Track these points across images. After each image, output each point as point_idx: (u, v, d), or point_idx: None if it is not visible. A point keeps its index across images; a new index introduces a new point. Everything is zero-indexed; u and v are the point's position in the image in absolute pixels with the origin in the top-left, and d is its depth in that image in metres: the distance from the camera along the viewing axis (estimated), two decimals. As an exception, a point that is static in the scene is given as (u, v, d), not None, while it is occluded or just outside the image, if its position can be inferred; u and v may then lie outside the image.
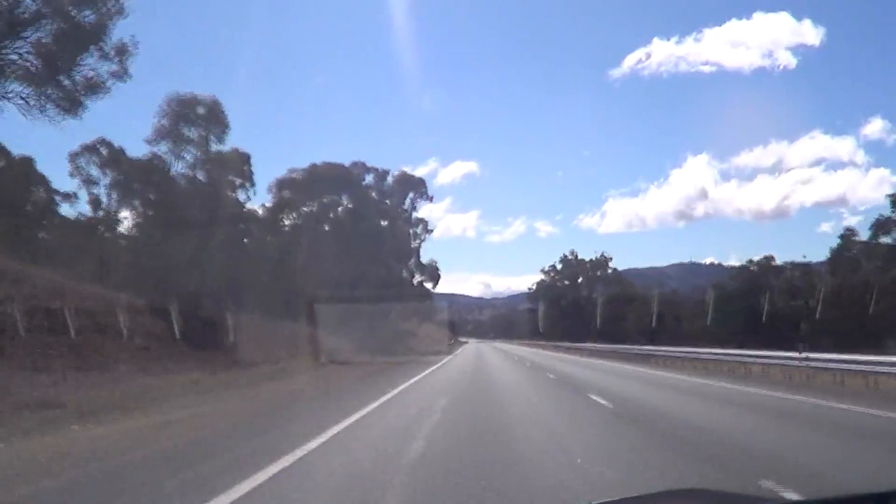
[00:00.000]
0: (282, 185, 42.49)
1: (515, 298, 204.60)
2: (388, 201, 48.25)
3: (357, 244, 47.02)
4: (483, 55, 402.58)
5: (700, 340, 48.32)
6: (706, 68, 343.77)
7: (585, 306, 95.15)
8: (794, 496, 5.01)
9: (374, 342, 48.58)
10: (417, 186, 49.18)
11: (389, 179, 48.90)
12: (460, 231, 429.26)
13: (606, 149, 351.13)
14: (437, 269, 55.93)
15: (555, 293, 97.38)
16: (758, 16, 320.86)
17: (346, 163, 47.53)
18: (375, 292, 47.41)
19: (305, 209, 43.92)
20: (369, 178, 48.29)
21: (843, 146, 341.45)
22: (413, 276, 55.11)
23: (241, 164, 45.66)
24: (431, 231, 51.65)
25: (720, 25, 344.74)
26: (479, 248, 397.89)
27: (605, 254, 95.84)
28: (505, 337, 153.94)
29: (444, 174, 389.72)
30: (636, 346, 47.93)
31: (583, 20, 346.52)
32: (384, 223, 49.20)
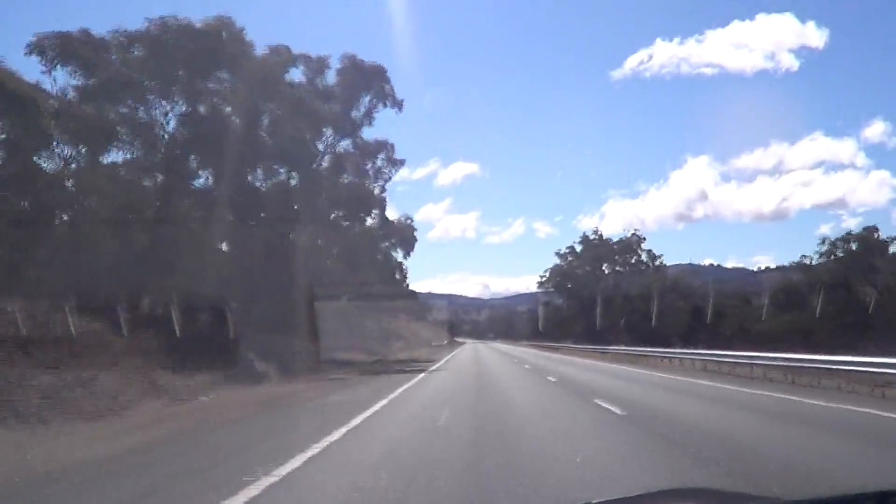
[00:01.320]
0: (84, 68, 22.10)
1: (514, 299, 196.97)
2: (328, 106, 28.50)
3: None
4: (485, 56, 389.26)
5: (768, 342, 37.65)
6: (708, 70, 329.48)
7: (612, 298, 75.56)
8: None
9: (328, 348, 30.29)
10: (375, 81, 29.10)
11: (330, 76, 29.15)
12: (460, 232, 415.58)
13: (607, 150, 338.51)
14: (412, 227, 35.93)
15: (572, 282, 77.59)
16: (761, 17, 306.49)
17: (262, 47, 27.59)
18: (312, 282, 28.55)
19: (156, 114, 23.86)
20: (297, 74, 28.63)
21: (844, 148, 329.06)
22: (376, 242, 35.19)
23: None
24: (401, 163, 32.03)
25: (723, 27, 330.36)
26: (479, 249, 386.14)
27: (637, 232, 76.17)
28: (505, 337, 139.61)
29: (445, 175, 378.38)
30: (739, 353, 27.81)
31: (586, 21, 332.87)
32: (321, 147, 29.37)
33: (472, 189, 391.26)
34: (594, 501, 2.65)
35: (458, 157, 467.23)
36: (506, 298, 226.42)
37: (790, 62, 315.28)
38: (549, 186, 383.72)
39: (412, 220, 35.91)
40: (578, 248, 77.75)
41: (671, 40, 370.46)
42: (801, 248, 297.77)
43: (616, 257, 76.46)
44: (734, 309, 69.48)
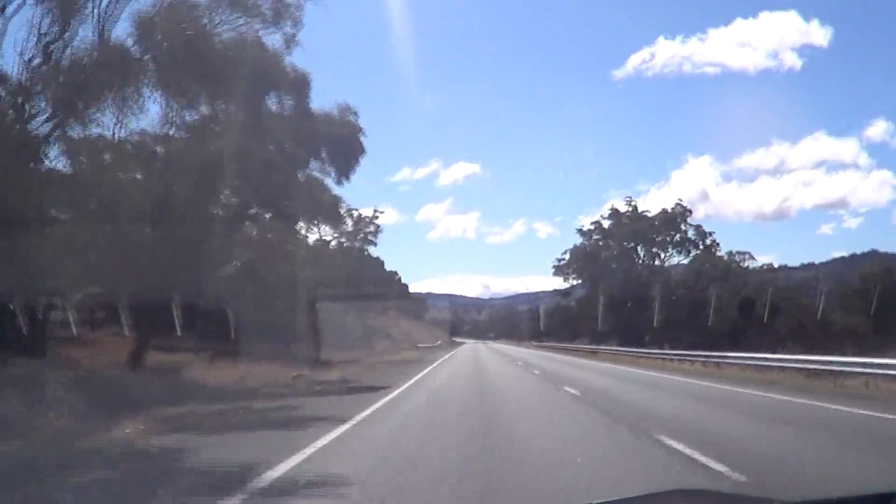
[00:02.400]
0: None
1: (514, 299, 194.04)
2: None
3: None
4: (487, 56, 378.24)
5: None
6: (710, 69, 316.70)
7: (649, 286, 59.30)
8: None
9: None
10: None
11: None
12: (460, 232, 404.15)
13: (608, 150, 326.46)
14: (357, 126, 19.06)
15: (598, 267, 61.07)
16: (764, 15, 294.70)
17: None
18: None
19: None
20: None
21: (846, 147, 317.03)
22: (300, 165, 18.58)
23: None
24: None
25: (727, 25, 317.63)
26: (479, 249, 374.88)
27: (682, 203, 59.50)
28: (507, 337, 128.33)
29: (446, 175, 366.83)
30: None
31: (589, 20, 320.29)
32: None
33: (473, 189, 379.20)
34: (595, 502, 2.73)
35: (459, 157, 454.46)
36: (505, 298, 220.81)
37: (793, 61, 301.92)
38: (551, 187, 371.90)
39: (357, 116, 19.48)
40: (606, 223, 61.23)
41: (674, 39, 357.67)
42: (802, 248, 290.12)
43: (654, 236, 59.94)
44: (789, 303, 54.68)
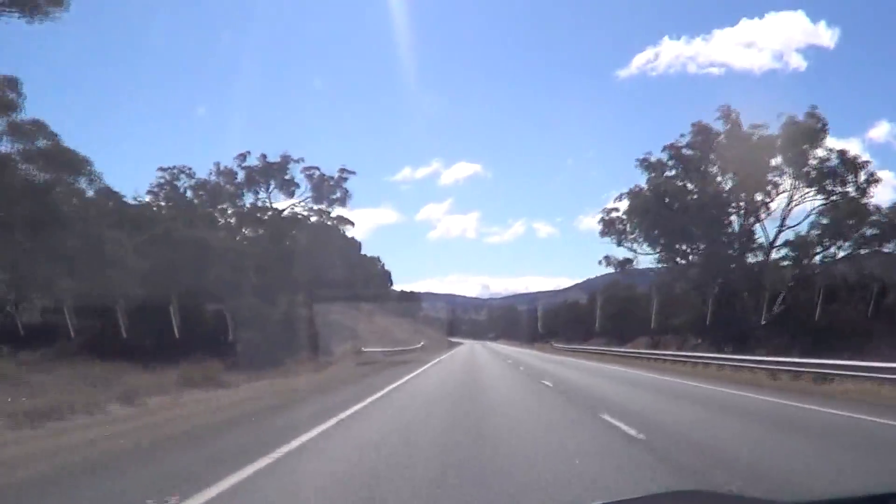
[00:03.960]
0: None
1: (513, 299, 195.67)
2: None
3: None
4: (490, 55, 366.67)
5: None
6: (715, 69, 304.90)
7: (756, 253, 36.17)
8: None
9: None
10: None
11: None
12: (460, 232, 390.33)
13: (610, 150, 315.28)
14: None
15: (674, 219, 37.60)
16: (770, 16, 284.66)
17: None
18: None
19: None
20: None
21: (849, 148, 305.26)
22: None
23: None
24: None
25: (732, 25, 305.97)
26: (478, 249, 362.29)
27: (816, 111, 36.04)
28: (507, 337, 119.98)
29: (447, 175, 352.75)
30: None
31: (593, 19, 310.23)
32: None
33: (473, 189, 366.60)
34: (594, 503, 2.78)
35: (461, 157, 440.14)
36: (504, 298, 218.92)
37: (798, 62, 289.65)
38: (551, 187, 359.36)
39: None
40: (687, 149, 37.75)
41: (679, 39, 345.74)
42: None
43: (766, 172, 36.55)
44: None
